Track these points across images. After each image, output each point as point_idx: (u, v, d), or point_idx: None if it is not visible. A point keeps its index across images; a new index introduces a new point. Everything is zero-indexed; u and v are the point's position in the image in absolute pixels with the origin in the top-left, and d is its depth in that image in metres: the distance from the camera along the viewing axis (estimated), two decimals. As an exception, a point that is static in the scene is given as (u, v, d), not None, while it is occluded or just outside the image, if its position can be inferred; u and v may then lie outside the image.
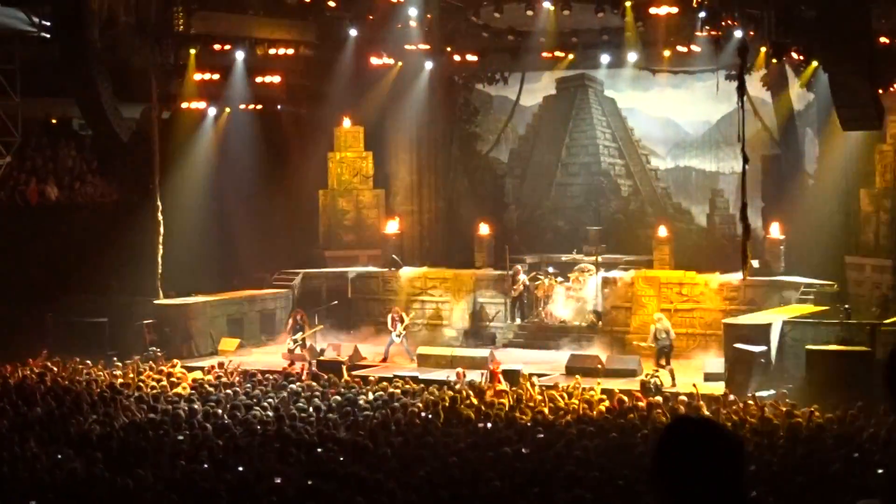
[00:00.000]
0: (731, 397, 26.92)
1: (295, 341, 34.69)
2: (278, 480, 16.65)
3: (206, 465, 18.32)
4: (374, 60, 41.09)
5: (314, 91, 40.98)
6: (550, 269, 38.87)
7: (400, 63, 41.69)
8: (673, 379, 30.43)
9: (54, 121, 43.30)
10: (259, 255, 40.35)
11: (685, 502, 4.71)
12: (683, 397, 26.67)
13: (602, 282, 37.31)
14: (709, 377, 30.64)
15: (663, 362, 31.52)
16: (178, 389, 27.49)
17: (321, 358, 33.86)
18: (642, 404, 25.43)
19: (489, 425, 23.14)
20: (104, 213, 38.78)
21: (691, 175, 42.10)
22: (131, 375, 29.38)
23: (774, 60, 36.23)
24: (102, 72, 35.27)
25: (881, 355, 26.84)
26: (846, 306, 31.78)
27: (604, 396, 26.73)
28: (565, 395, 26.84)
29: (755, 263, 34.29)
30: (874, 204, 36.08)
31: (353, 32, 40.14)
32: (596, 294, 37.46)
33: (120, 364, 30.77)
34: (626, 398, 26.27)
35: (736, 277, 34.46)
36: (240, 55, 39.12)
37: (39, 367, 30.20)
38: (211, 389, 27.51)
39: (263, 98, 41.50)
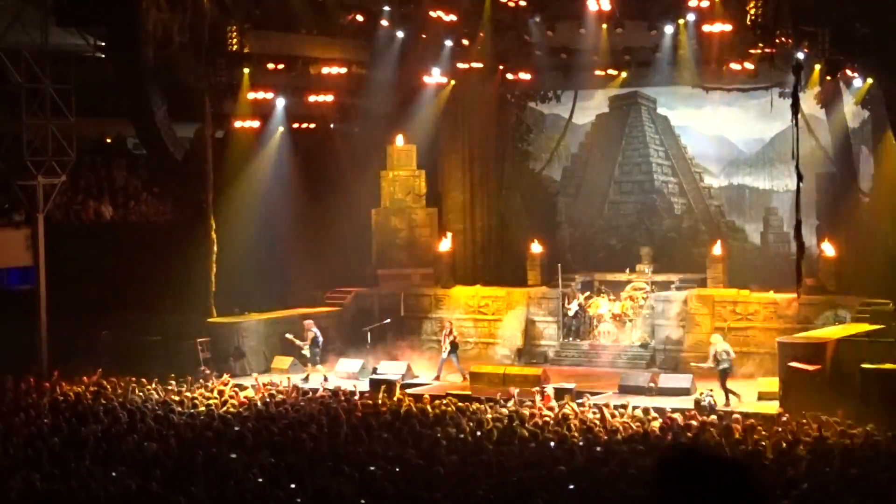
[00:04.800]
0: (786, 417, 26.75)
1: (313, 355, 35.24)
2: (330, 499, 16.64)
3: (259, 481, 18.35)
4: (427, 79, 41.19)
5: (367, 109, 41.04)
6: (603, 288, 38.80)
7: (453, 81, 41.74)
8: (728, 397, 30.25)
9: (109, 140, 43.65)
10: (312, 273, 40.37)
11: None
12: (738, 416, 26.54)
13: (655, 300, 37.20)
14: (763, 396, 30.47)
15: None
16: (230, 407, 27.59)
17: (373, 376, 33.92)
18: (695, 423, 25.32)
19: (551, 444, 23.06)
20: (158, 231, 38.94)
21: (745, 193, 41.84)
22: (185, 393, 29.53)
23: (829, 78, 35.99)
24: (156, 91, 35.48)
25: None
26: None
27: (657, 415, 26.66)
28: (618, 413, 26.78)
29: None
30: (930, 222, 35.80)
31: (405, 51, 40.23)
32: (649, 313, 37.34)
33: (174, 382, 30.88)
34: (678, 417, 26.17)
35: (790, 296, 34.27)
36: (292, 75, 39.29)
37: (94, 385, 30.40)
38: (263, 407, 27.60)
39: (316, 116, 41.63)
